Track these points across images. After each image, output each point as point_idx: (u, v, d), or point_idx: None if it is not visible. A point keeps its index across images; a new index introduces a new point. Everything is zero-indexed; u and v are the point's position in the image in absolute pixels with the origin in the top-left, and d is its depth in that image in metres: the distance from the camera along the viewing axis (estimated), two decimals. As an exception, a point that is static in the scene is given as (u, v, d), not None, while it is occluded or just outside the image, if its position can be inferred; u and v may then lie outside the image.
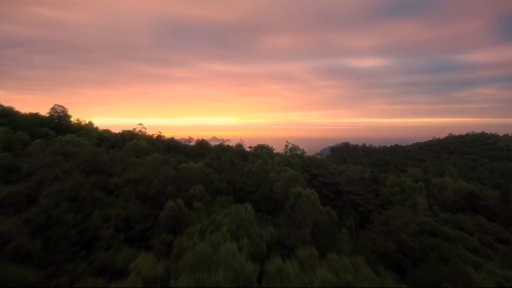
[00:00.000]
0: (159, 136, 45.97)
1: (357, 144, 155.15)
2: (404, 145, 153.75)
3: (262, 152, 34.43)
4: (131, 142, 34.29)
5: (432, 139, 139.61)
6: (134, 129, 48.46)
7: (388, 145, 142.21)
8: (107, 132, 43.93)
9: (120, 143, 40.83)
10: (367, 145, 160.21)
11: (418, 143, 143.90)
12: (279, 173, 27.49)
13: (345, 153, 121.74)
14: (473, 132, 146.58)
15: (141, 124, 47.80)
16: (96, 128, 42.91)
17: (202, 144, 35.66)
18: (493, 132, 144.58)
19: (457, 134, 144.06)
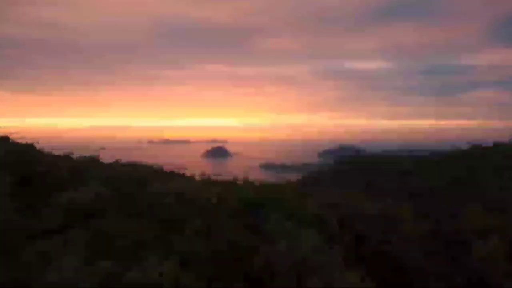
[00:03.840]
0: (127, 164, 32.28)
1: (367, 154, 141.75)
2: (421, 153, 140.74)
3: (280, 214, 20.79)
4: (65, 195, 20.64)
5: (454, 148, 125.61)
6: (96, 157, 34.96)
7: (405, 154, 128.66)
8: (62, 161, 30.17)
9: (67, 182, 27.09)
10: (380, 151, 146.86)
11: (434, 152, 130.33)
12: (327, 279, 14.10)
13: (357, 165, 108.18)
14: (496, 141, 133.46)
15: (103, 148, 34.48)
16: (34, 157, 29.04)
17: (182, 200, 22.21)
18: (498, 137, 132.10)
19: (479, 143, 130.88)
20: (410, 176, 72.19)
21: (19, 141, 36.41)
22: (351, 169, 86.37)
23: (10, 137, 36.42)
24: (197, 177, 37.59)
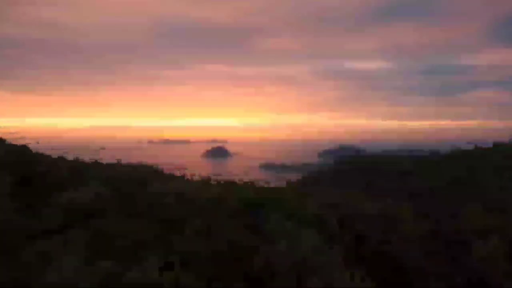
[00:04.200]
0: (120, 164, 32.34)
1: (367, 154, 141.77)
2: (421, 153, 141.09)
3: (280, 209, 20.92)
4: (65, 195, 20.31)
5: (454, 148, 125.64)
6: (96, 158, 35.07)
7: (405, 154, 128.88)
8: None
9: (67, 182, 27.02)
10: (380, 151, 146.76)
11: (434, 152, 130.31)
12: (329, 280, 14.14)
13: (357, 165, 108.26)
14: (497, 140, 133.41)
15: (103, 148, 34.43)
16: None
17: (182, 200, 22.14)
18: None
19: (479, 144, 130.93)
20: (410, 176, 72.21)
21: (19, 141, 36.54)
22: (351, 169, 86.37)
23: (9, 137, 36.52)
24: (197, 178, 37.63)
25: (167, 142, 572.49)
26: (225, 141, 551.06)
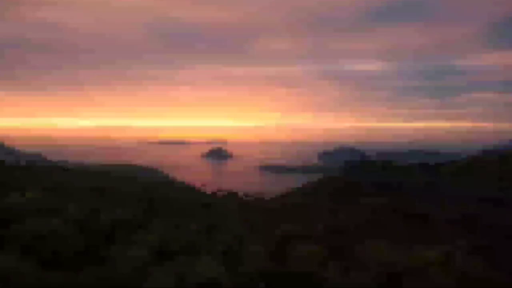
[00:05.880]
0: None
1: (373, 160, 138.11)
2: (432, 160, 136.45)
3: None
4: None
5: (467, 157, 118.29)
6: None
7: (415, 161, 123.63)
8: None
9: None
10: (386, 155, 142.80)
11: (454, 161, 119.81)
12: None
13: (361, 170, 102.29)
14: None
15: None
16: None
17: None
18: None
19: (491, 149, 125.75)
20: (434, 191, 67.70)
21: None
22: (365, 184, 78.98)
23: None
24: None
25: (167, 143, 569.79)
26: (224, 142, 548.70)
